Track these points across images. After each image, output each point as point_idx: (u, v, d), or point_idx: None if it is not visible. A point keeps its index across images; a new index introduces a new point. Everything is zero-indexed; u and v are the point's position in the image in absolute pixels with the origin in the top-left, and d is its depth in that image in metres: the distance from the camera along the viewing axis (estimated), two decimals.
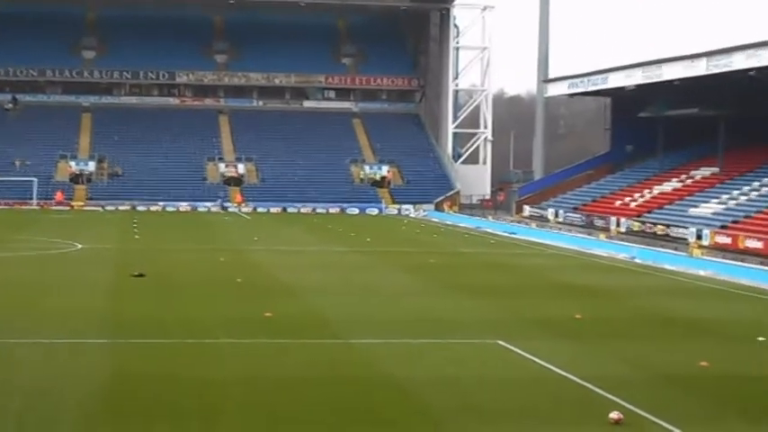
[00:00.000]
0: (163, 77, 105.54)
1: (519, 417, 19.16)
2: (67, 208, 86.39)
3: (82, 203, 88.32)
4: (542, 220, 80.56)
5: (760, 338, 28.21)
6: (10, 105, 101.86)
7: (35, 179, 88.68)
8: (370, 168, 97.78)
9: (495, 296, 36.19)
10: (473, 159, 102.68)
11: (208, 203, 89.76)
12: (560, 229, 72.47)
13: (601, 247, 57.58)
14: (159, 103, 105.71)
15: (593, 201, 79.20)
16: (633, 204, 73.33)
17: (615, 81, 76.09)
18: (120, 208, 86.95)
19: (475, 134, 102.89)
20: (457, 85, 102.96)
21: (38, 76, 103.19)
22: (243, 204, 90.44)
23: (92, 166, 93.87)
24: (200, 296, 34.43)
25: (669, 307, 34.88)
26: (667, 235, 62.52)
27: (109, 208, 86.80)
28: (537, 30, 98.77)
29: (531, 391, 21.24)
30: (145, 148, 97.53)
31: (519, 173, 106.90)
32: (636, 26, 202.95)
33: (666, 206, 69.63)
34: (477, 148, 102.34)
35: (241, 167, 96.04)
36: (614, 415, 18.58)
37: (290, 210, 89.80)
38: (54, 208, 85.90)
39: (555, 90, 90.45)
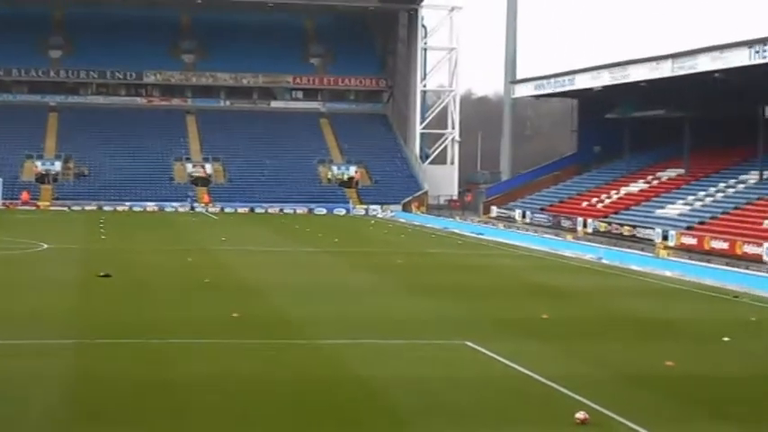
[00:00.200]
0: (130, 77, 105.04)
1: (486, 417, 19.22)
2: (33, 208, 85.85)
3: (48, 203, 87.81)
4: (509, 220, 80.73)
5: (725, 338, 28.40)
6: None
7: (0, 179, 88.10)
8: (338, 169, 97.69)
9: (463, 297, 36.26)
10: (441, 160, 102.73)
11: (175, 203, 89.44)
12: (527, 229, 72.64)
13: (568, 248, 57.77)
14: (126, 102, 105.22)
15: (561, 201, 79.43)
16: (600, 205, 73.59)
17: (582, 82, 76.30)
18: (87, 208, 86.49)
19: (442, 135, 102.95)
20: (425, 86, 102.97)
21: (3, 75, 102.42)
22: (210, 204, 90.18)
23: (58, 165, 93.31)
24: (167, 296, 34.35)
25: (635, 307, 35.06)
26: (634, 236, 62.78)
27: (75, 208, 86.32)
28: (504, 31, 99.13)
29: (499, 391, 21.32)
30: (111, 147, 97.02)
31: (486, 173, 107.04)
32: (602, 28, 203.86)
33: (633, 207, 69.92)
34: (445, 148, 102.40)
35: (208, 167, 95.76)
36: (580, 415, 18.66)
37: (257, 210, 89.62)
38: (20, 208, 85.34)
39: (522, 91, 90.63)
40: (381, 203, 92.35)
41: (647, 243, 59.40)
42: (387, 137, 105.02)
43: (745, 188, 64.19)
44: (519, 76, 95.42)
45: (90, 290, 35.51)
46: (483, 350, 25.64)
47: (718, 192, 65.46)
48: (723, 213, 60.95)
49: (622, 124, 78.06)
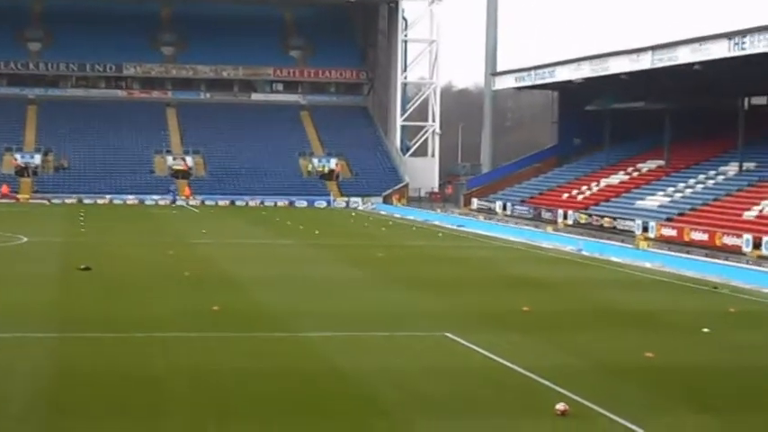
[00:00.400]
0: (110, 70, 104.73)
1: (466, 408, 19.24)
2: (13, 201, 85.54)
3: (28, 196, 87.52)
4: (490, 212, 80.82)
5: (705, 330, 28.50)
6: None
7: None
8: (319, 161, 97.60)
9: (443, 289, 36.28)
10: (421, 152, 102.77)
11: (155, 196, 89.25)
12: (508, 221, 72.76)
13: (548, 240, 57.86)
14: (106, 95, 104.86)
15: (541, 193, 79.56)
16: (580, 197, 73.73)
17: (562, 74, 76.41)
18: (67, 201, 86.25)
19: (423, 127, 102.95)
20: (405, 78, 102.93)
21: None
22: (191, 197, 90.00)
23: (38, 158, 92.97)
24: (147, 290, 34.28)
25: (615, 298, 35.14)
26: (614, 227, 62.92)
27: (55, 201, 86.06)
28: (485, 23, 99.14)
29: (479, 382, 21.35)
30: (91, 140, 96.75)
31: (467, 166, 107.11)
32: (583, 20, 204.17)
33: (613, 199, 70.09)
34: (426, 140, 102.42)
35: (189, 160, 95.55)
36: (560, 406, 18.71)
37: (238, 203, 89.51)
38: None
39: (503, 83, 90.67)
40: (362, 196, 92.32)
41: (627, 235, 59.55)
42: (367, 129, 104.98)
43: (725, 180, 64.41)
44: (499, 69, 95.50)
45: (70, 283, 35.42)
46: (463, 342, 25.67)
47: (698, 183, 65.67)
48: (703, 205, 61.16)
49: (603, 116, 78.22)
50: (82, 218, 67.88)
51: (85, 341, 24.88)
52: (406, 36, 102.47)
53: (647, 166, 74.07)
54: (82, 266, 39.01)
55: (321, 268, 42.33)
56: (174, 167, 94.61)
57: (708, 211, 59.51)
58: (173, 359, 23.00)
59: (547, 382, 21.20)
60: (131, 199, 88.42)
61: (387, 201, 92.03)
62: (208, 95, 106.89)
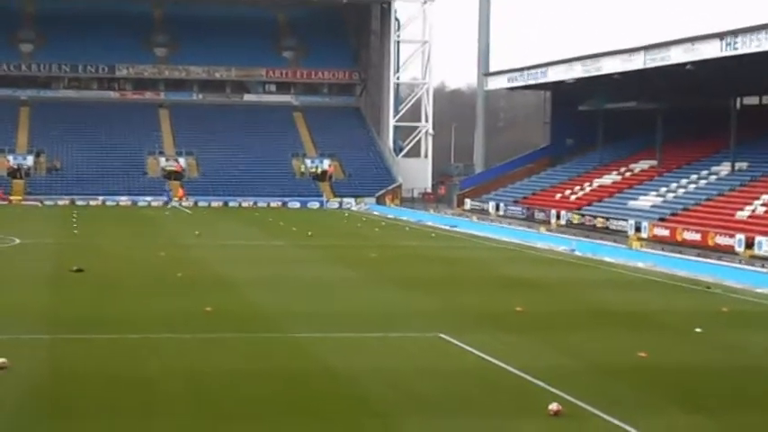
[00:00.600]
0: (102, 71, 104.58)
1: (459, 408, 19.25)
2: (5, 203, 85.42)
3: (20, 198, 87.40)
4: (483, 213, 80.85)
5: (697, 329, 28.53)
6: None
7: None
8: (312, 162, 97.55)
9: (436, 289, 36.29)
10: (414, 153, 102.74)
11: (148, 198, 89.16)
12: (501, 222, 72.78)
13: (541, 240, 57.89)
14: (99, 96, 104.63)
15: (534, 194, 79.61)
16: (573, 197, 73.77)
17: (555, 75, 76.46)
18: (60, 202, 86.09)
19: (416, 128, 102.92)
20: (398, 79, 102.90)
21: None
22: (184, 199, 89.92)
23: (30, 160, 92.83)
24: (140, 291, 34.25)
25: (608, 299, 35.18)
26: (607, 227, 62.98)
27: (48, 202, 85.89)
28: (477, 23, 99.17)
29: (472, 383, 21.36)
30: (84, 142, 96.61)
31: (460, 166, 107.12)
32: (575, 20, 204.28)
33: (606, 199, 70.15)
34: (419, 141, 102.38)
35: (182, 161, 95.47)
36: (554, 406, 18.74)
37: (231, 204, 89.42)
38: None
39: (495, 83, 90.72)
40: (355, 196, 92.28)
41: (619, 235, 59.61)
42: (360, 130, 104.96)
43: (718, 180, 64.50)
44: (492, 69, 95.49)
45: (62, 285, 35.39)
46: (456, 342, 25.68)
47: (690, 183, 65.75)
48: (695, 205, 61.23)
49: (595, 116, 78.30)
50: (75, 219, 67.78)
51: (78, 342, 24.85)
52: (398, 36, 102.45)
53: (640, 166, 74.14)
54: (74, 268, 38.97)
55: (314, 269, 42.31)
56: (167, 169, 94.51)
57: (700, 211, 59.58)
58: (166, 360, 22.99)
59: (540, 383, 21.22)
60: (124, 200, 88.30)
61: (380, 201, 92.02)
62: (200, 96, 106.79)
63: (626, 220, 61.68)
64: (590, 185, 74.65)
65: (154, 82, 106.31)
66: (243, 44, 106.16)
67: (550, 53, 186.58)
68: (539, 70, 79.19)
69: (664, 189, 66.45)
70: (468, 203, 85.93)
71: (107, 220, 68.88)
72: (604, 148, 78.43)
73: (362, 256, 47.86)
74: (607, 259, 48.75)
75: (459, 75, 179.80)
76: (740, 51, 54.74)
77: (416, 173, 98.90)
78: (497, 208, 79.78)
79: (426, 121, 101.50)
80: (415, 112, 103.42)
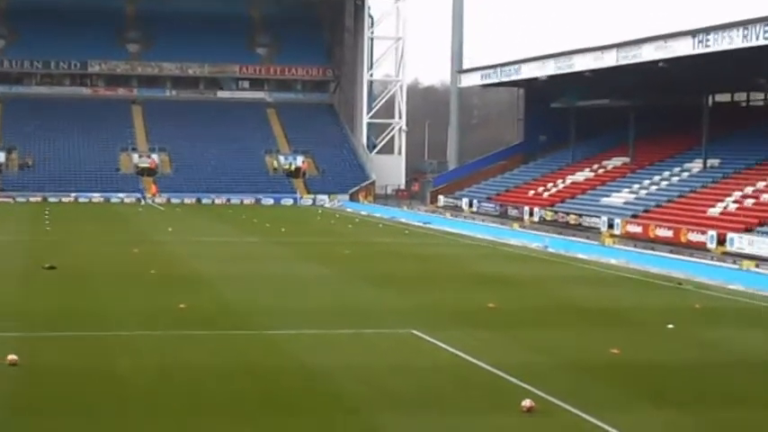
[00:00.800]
0: (75, 67, 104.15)
1: (432, 405, 19.29)
2: None
3: None
4: (457, 209, 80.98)
5: (669, 326, 28.66)
6: None
7: None
8: (285, 159, 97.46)
9: (410, 286, 36.34)
10: (388, 149, 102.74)
11: (121, 194, 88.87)
12: (474, 218, 72.92)
13: (514, 237, 58.03)
14: (71, 92, 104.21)
15: (507, 191, 79.76)
16: (546, 194, 73.95)
17: (528, 72, 76.57)
18: (32, 199, 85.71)
19: (389, 124, 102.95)
20: (371, 76, 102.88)
21: None
22: (156, 195, 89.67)
23: (2, 156, 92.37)
24: (113, 288, 34.16)
25: (581, 295, 35.29)
26: (580, 224, 63.18)
27: (20, 199, 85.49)
28: (451, 20, 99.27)
29: (445, 379, 21.40)
30: (57, 138, 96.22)
31: (433, 163, 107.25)
32: (548, 18, 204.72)
33: (579, 196, 70.36)
34: (392, 138, 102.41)
35: (155, 158, 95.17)
36: (526, 403, 18.79)
37: (204, 200, 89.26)
38: None
39: (468, 81, 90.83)
40: (329, 193, 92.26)
41: (592, 231, 59.83)
42: (334, 127, 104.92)
43: (690, 176, 64.79)
44: (466, 66, 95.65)
45: (35, 282, 35.26)
46: (429, 339, 25.73)
47: (662, 180, 66.01)
48: (668, 201, 61.50)
49: (568, 113, 78.52)
50: (47, 216, 67.49)
51: (51, 340, 24.78)
52: (372, 33, 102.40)
53: (613, 163, 74.39)
54: (47, 265, 38.81)
55: (287, 266, 42.30)
56: (140, 165, 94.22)
57: (672, 208, 59.84)
58: (139, 357, 22.95)
59: (513, 379, 21.28)
60: (97, 197, 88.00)
61: (353, 198, 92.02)
62: (173, 93, 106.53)
63: (599, 216, 61.89)
64: (563, 182, 74.85)
65: (127, 78, 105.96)
66: (216, 40, 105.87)
67: (523, 50, 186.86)
68: (512, 67, 79.30)
69: (636, 186, 66.71)
70: (442, 200, 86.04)
71: (80, 217, 68.64)
72: (577, 145, 78.67)
73: (336, 252, 47.87)
74: (580, 256, 48.90)
75: (433, 72, 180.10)
76: (712, 49, 54.96)
77: (390, 170, 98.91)
78: (471, 205, 79.91)
79: (400, 117, 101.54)
80: (388, 109, 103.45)
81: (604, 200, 66.72)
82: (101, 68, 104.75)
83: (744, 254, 47.66)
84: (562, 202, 70.33)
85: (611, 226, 59.45)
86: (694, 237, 52.49)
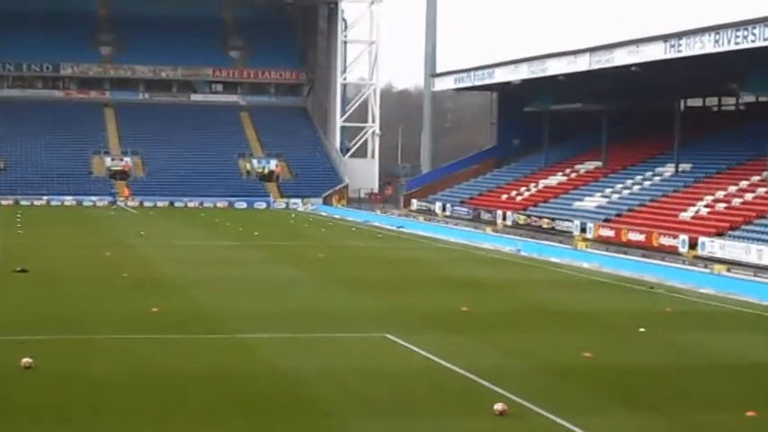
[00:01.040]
0: (47, 70, 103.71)
1: (405, 409, 19.32)
2: None
3: None
4: (430, 213, 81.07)
5: (641, 329, 28.79)
6: None
7: None
8: (258, 162, 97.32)
9: (383, 290, 36.37)
10: (361, 153, 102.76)
11: (93, 198, 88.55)
12: (448, 222, 73.01)
13: (487, 241, 58.13)
14: (43, 95, 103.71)
15: (480, 194, 79.91)
16: (519, 198, 74.11)
17: (501, 76, 76.73)
18: (3, 202, 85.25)
19: (363, 128, 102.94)
20: (345, 79, 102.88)
21: None
22: (129, 198, 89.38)
23: None
24: (85, 292, 34.05)
25: (554, 299, 35.40)
26: (553, 228, 63.35)
27: None
28: (424, 24, 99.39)
29: (418, 383, 21.43)
30: (29, 141, 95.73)
31: (407, 167, 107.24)
32: (522, 22, 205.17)
33: (552, 200, 70.55)
34: (366, 141, 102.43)
35: (128, 161, 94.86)
36: (499, 406, 18.83)
37: (177, 204, 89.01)
38: None
39: (442, 84, 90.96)
40: (302, 197, 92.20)
41: (565, 235, 59.99)
42: (307, 130, 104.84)
43: (662, 180, 65.06)
44: (439, 70, 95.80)
45: (6, 285, 35.09)
46: (403, 343, 25.76)
47: (634, 184, 66.26)
48: (640, 206, 61.74)
49: (541, 117, 78.72)
50: (19, 219, 67.20)
51: (22, 344, 24.64)
52: (345, 37, 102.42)
53: (585, 167, 74.62)
54: (18, 269, 38.66)
55: (261, 269, 42.26)
56: (113, 168, 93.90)
57: (644, 212, 60.08)
58: (112, 361, 22.88)
59: (486, 383, 21.33)
60: (69, 200, 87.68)
61: (327, 202, 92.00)
62: (146, 96, 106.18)
63: (571, 220, 62.09)
64: (536, 186, 75.04)
65: (99, 81, 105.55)
66: (189, 43, 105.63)
67: (497, 54, 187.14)
68: (485, 71, 79.45)
69: (609, 190, 66.94)
70: (415, 204, 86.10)
71: (52, 221, 68.36)
72: (550, 149, 78.90)
73: (309, 256, 47.85)
74: (553, 260, 49.05)
75: (407, 75, 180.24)
76: (684, 54, 55.21)
77: (363, 173, 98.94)
78: (444, 208, 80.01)
79: (373, 121, 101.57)
80: (361, 113, 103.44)
81: (577, 204, 66.93)
82: (73, 71, 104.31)
83: (715, 258, 47.93)
84: (535, 206, 70.50)
85: (583, 230, 59.65)
86: (666, 241, 52.73)
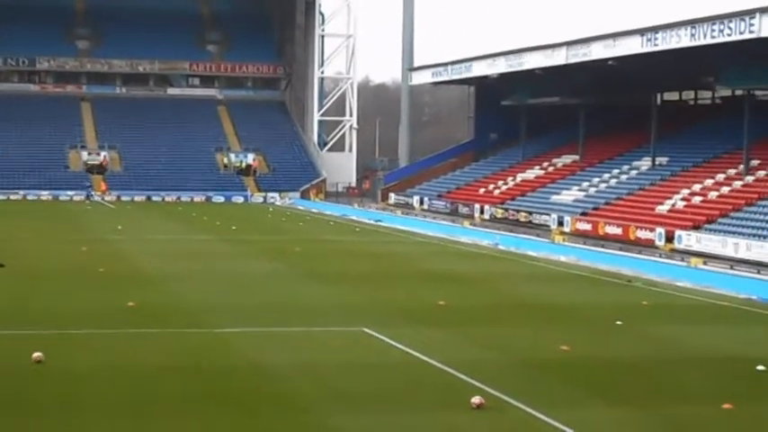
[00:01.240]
0: (23, 63, 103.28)
1: (383, 402, 19.32)
2: None
3: None
4: (407, 207, 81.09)
5: (618, 322, 28.88)
6: None
7: None
8: (236, 156, 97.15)
9: (361, 284, 36.37)
10: (339, 147, 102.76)
11: (70, 192, 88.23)
12: (425, 216, 73.01)
13: (465, 235, 58.18)
14: (19, 89, 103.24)
15: (458, 188, 79.97)
16: (497, 192, 74.19)
17: (479, 70, 76.77)
18: None
19: (340, 122, 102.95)
20: (322, 73, 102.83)
21: None
22: (106, 193, 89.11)
23: None
24: (62, 286, 33.95)
25: (531, 292, 35.47)
26: (530, 222, 63.45)
27: None
28: (402, 18, 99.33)
29: (396, 377, 21.44)
30: (4, 135, 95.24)
31: (384, 161, 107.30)
32: (499, 16, 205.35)
33: (529, 193, 70.66)
34: (343, 135, 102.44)
35: (104, 155, 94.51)
36: (476, 399, 18.86)
37: (154, 198, 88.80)
38: None
39: (419, 78, 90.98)
40: (279, 191, 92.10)
41: (542, 229, 60.09)
42: (284, 124, 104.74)
43: (638, 174, 65.22)
44: (416, 64, 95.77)
45: None
46: (380, 337, 25.76)
47: (611, 178, 66.42)
48: (617, 199, 61.90)
49: (518, 111, 78.79)
50: None
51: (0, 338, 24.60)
52: (323, 31, 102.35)
53: (562, 160, 74.76)
54: None
55: (238, 263, 42.20)
56: (89, 163, 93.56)
57: (621, 206, 60.23)
58: (89, 356, 22.81)
59: (463, 377, 21.35)
60: (45, 195, 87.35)
61: (304, 196, 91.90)
62: (123, 90, 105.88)
63: (549, 214, 62.19)
64: (513, 180, 75.13)
65: (76, 75, 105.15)
66: (166, 37, 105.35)
67: (474, 48, 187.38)
68: (463, 65, 79.49)
69: (586, 183, 67.09)
70: (393, 198, 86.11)
71: (28, 215, 68.10)
72: (527, 142, 78.99)
73: (287, 250, 47.81)
74: (530, 253, 49.13)
75: (384, 69, 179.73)
76: (660, 48, 55.33)
77: (341, 167, 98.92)
78: (421, 202, 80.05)
79: (351, 115, 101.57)
80: (339, 107, 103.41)
81: (554, 197, 67.04)
82: (49, 65, 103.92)
83: (692, 251, 48.09)
84: (512, 199, 70.61)
85: (560, 223, 59.76)
86: (643, 234, 52.90)
